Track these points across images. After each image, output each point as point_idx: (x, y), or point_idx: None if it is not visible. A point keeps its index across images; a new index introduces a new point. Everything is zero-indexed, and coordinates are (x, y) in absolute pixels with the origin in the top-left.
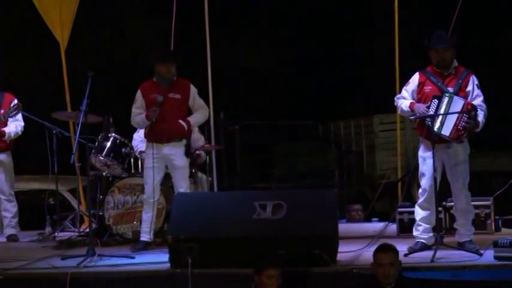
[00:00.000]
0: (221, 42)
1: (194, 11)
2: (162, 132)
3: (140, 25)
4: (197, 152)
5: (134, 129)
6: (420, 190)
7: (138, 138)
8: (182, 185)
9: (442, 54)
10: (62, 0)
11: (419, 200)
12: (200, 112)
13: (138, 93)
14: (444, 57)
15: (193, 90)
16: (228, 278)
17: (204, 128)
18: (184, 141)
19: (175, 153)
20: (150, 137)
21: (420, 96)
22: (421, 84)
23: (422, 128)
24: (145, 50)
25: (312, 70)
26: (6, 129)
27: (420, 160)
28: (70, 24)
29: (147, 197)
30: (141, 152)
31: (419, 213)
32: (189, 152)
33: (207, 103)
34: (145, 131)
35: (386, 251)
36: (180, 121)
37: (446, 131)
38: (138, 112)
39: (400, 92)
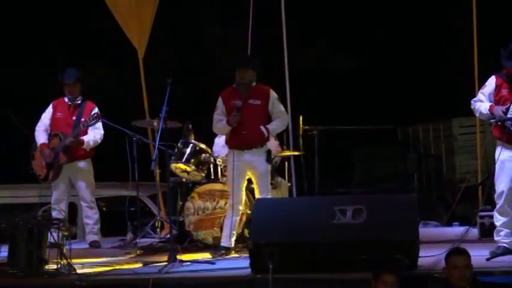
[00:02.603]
0: (299, 46)
1: (271, 15)
2: (242, 139)
3: (217, 31)
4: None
5: (213, 136)
6: (496, 194)
7: (220, 143)
8: (264, 191)
9: None
10: (140, 9)
11: (498, 205)
12: (280, 119)
13: (219, 100)
14: None
15: (273, 95)
16: (309, 283)
17: (282, 132)
18: (265, 148)
19: (257, 160)
20: (231, 144)
21: (498, 98)
22: (498, 87)
23: (501, 130)
24: (223, 56)
25: (391, 73)
26: (85, 138)
27: (498, 163)
28: (148, 32)
29: (230, 203)
30: (222, 159)
31: (499, 219)
32: (270, 158)
33: (285, 108)
34: (226, 137)
35: (461, 253)
36: (261, 127)
37: None
38: (219, 119)
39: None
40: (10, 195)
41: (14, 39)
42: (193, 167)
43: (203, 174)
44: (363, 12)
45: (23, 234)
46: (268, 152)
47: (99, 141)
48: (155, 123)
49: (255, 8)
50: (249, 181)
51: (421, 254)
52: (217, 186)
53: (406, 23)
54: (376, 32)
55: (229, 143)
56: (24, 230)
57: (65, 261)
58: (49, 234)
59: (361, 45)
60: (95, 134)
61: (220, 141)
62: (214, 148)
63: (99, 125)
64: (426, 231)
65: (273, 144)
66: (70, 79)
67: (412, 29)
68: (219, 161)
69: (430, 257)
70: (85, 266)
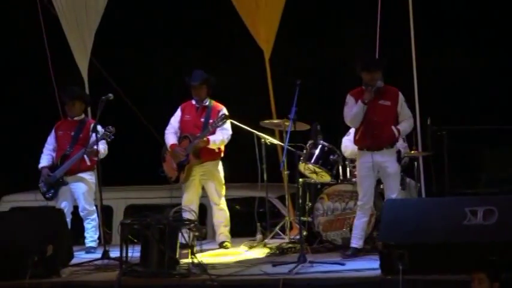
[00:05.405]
0: (427, 46)
1: (399, 15)
2: (373, 139)
3: (344, 31)
4: None
5: (341, 136)
6: None
7: (347, 142)
8: (394, 191)
9: None
10: (266, 10)
11: None
12: (407, 122)
13: (349, 97)
14: None
15: (401, 97)
16: (440, 284)
17: (411, 133)
18: (396, 148)
19: (387, 160)
20: (361, 144)
21: None
22: None
23: None
24: (351, 56)
25: None
26: (211, 137)
27: None
28: (274, 33)
29: (360, 204)
30: (350, 159)
31: None
32: (400, 159)
33: (414, 109)
34: (355, 137)
35: None
36: (393, 128)
37: None
38: (351, 108)
39: None
40: (142, 196)
41: (142, 40)
42: (322, 167)
43: (332, 175)
44: (493, 8)
45: (154, 234)
46: (399, 152)
47: (226, 141)
48: (284, 124)
49: (383, 7)
50: (378, 182)
51: None
52: (346, 187)
53: None
54: (507, 29)
55: (359, 143)
56: (156, 230)
57: (196, 261)
58: (180, 234)
59: (492, 42)
60: (222, 134)
61: (348, 139)
62: (343, 149)
63: (228, 125)
64: None
65: (401, 144)
66: (196, 81)
67: None
68: (347, 162)
69: None
70: (216, 266)
